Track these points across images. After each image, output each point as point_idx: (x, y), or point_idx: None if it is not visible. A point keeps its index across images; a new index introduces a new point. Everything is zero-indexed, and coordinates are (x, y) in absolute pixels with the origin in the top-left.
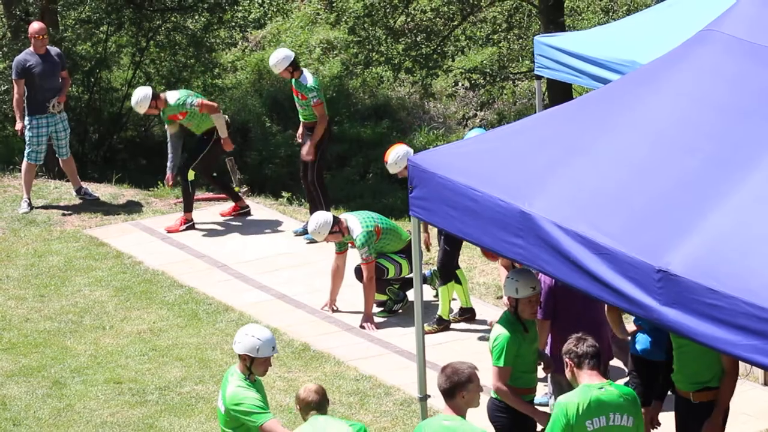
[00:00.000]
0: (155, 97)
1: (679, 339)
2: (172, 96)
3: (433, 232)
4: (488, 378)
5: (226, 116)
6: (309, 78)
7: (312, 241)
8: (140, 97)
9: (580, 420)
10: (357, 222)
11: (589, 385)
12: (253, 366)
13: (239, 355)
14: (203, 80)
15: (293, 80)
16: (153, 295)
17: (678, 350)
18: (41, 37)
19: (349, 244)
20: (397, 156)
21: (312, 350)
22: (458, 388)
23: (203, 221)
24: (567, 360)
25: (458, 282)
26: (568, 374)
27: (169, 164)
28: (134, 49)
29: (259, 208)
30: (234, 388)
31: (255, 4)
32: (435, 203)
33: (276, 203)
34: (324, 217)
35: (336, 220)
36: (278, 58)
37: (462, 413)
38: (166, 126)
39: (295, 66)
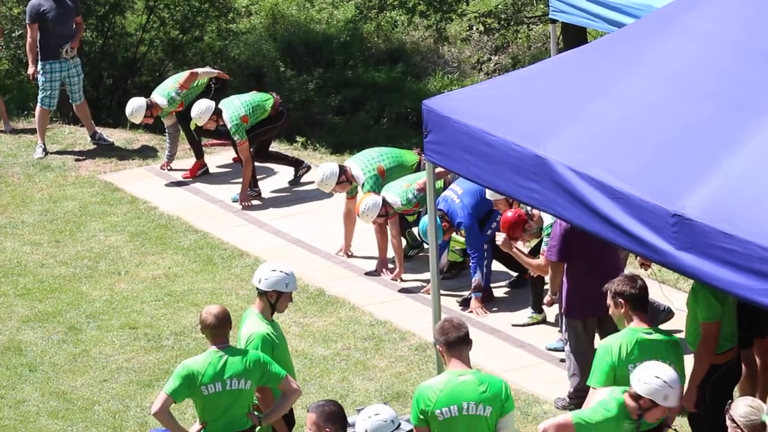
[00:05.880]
0: (150, 106)
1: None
2: (161, 99)
3: None
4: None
5: (203, 68)
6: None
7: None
8: (135, 107)
9: (622, 362)
10: (359, 169)
11: (635, 329)
12: (279, 302)
13: (263, 293)
14: (217, 25)
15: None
16: (168, 241)
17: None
18: None
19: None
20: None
21: (327, 295)
22: (468, 336)
23: (218, 166)
24: (621, 300)
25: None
26: (617, 312)
27: (167, 153)
28: None
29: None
30: (250, 327)
31: None
32: (450, 148)
33: (290, 147)
34: (330, 168)
35: (342, 170)
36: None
37: (470, 364)
38: (163, 119)
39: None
